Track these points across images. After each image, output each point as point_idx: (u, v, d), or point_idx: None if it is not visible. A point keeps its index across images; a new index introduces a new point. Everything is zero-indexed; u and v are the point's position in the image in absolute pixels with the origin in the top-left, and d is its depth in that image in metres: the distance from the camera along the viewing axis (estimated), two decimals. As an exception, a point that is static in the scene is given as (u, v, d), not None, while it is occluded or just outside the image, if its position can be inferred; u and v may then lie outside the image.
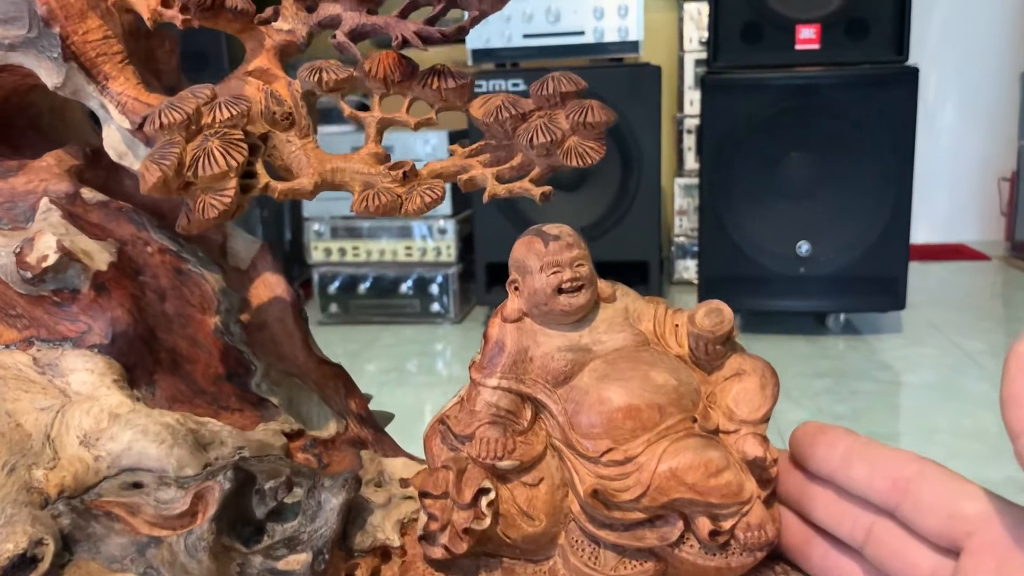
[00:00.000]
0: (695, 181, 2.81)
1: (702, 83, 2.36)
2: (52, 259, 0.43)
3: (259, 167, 0.42)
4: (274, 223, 2.81)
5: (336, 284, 2.75)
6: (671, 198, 3.06)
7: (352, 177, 0.43)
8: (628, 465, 0.40)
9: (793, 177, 2.38)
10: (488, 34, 2.48)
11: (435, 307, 2.71)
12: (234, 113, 0.41)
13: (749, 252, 2.39)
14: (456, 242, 2.66)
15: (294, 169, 0.44)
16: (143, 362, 0.45)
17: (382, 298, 2.74)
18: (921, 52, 3.19)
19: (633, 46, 2.48)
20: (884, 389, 2.11)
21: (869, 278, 2.37)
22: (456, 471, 0.41)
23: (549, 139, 0.40)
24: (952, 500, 0.35)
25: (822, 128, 2.30)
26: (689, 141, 3.01)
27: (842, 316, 2.52)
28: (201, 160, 0.40)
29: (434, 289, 2.70)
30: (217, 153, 0.40)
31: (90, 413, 0.42)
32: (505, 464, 0.41)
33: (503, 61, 2.52)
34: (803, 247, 2.39)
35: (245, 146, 0.41)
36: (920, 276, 3.01)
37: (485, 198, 0.42)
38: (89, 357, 0.43)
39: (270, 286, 0.52)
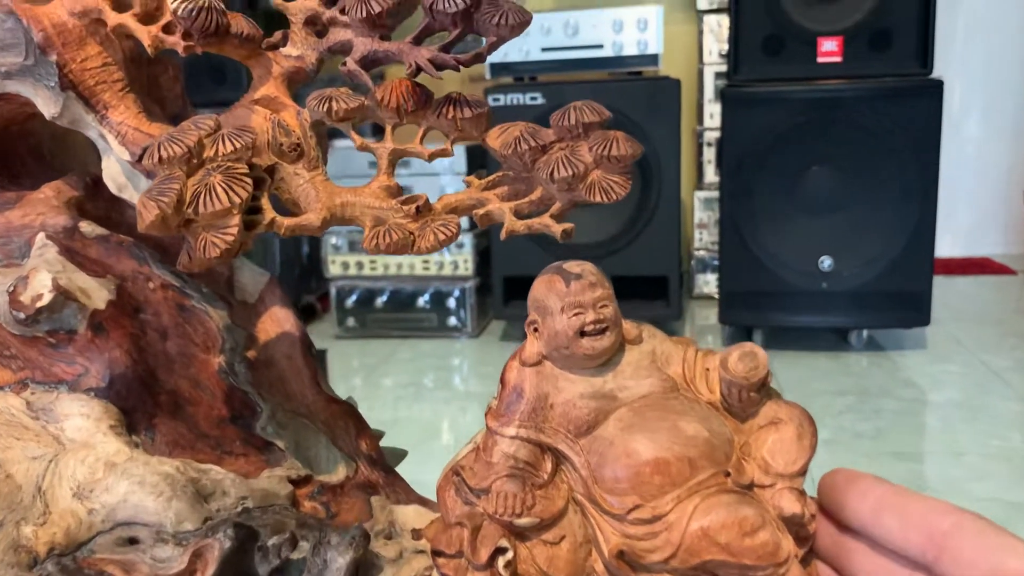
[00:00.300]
0: (715, 194, 2.78)
1: (722, 96, 2.33)
2: (47, 298, 0.41)
3: (264, 202, 0.40)
4: (292, 237, 2.80)
5: (353, 298, 2.73)
6: (691, 211, 3.03)
7: (363, 212, 0.41)
8: (656, 524, 0.38)
9: (815, 191, 2.34)
10: (506, 48, 2.46)
11: (452, 321, 2.69)
12: (238, 146, 0.39)
13: (770, 266, 2.36)
14: (473, 256, 2.64)
15: (302, 203, 0.42)
16: (142, 405, 0.42)
17: (399, 312, 2.72)
18: (945, 63, 3.15)
19: (652, 59, 2.45)
20: (908, 407, 2.07)
21: (893, 293, 2.34)
22: (471, 528, 0.39)
23: (571, 173, 0.38)
24: (994, 555, 0.33)
25: (845, 141, 2.26)
26: (709, 154, 2.98)
27: (865, 332, 2.48)
28: (202, 196, 0.37)
29: (451, 303, 2.68)
30: (220, 189, 0.38)
31: (85, 462, 0.39)
32: (524, 521, 0.38)
33: (521, 75, 2.50)
34: (825, 262, 2.35)
35: (249, 181, 0.39)
36: (945, 291, 2.96)
37: (503, 235, 0.39)
38: (85, 401, 0.41)
39: (278, 321, 0.50)
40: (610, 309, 0.40)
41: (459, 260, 2.65)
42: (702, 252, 3.00)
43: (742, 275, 2.39)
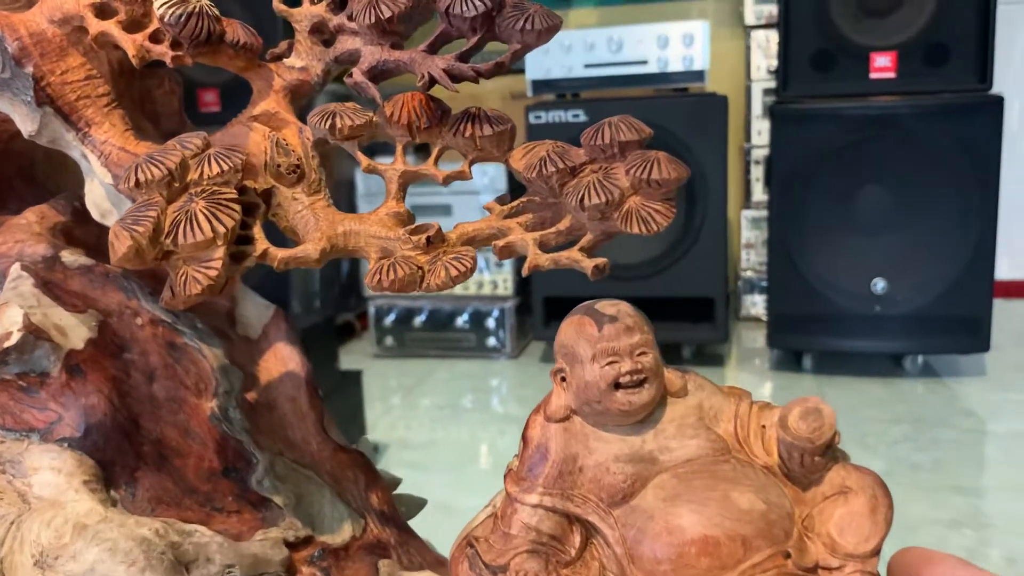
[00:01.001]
0: (763, 214, 2.71)
1: (771, 113, 2.27)
2: (15, 338, 0.37)
3: (257, 230, 0.35)
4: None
5: (392, 317, 2.70)
6: (738, 231, 2.96)
7: (368, 242, 0.36)
8: (703, 615, 0.32)
9: (868, 211, 2.27)
10: (548, 64, 2.41)
11: (491, 341, 2.64)
12: (226, 168, 0.34)
13: (821, 289, 2.29)
14: (513, 275, 2.59)
15: (300, 232, 0.37)
16: (122, 458, 0.38)
17: (438, 331, 2.68)
18: (1004, 78, 3.04)
19: (698, 75, 2.39)
20: (967, 438, 1.98)
21: (950, 317, 2.25)
22: (486, 614, 0.33)
23: (604, 200, 0.32)
24: None
25: (899, 160, 2.19)
26: (757, 172, 2.91)
27: (920, 358, 2.39)
28: (182, 225, 0.33)
29: (490, 323, 2.63)
30: (202, 217, 0.33)
31: (51, 524, 0.35)
32: (546, 608, 0.33)
33: (564, 92, 2.45)
34: (878, 284, 2.27)
35: (237, 208, 0.34)
36: (1005, 315, 2.85)
37: (525, 270, 0.34)
38: (57, 453, 0.37)
39: (282, 359, 0.45)
40: (650, 357, 0.34)
41: (499, 279, 2.60)
42: (749, 273, 2.92)
43: (791, 297, 2.32)
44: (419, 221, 0.36)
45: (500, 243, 0.35)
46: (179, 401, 0.40)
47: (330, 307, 2.67)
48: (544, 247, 0.34)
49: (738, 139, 3.00)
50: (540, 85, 2.45)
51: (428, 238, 0.34)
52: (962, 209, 2.17)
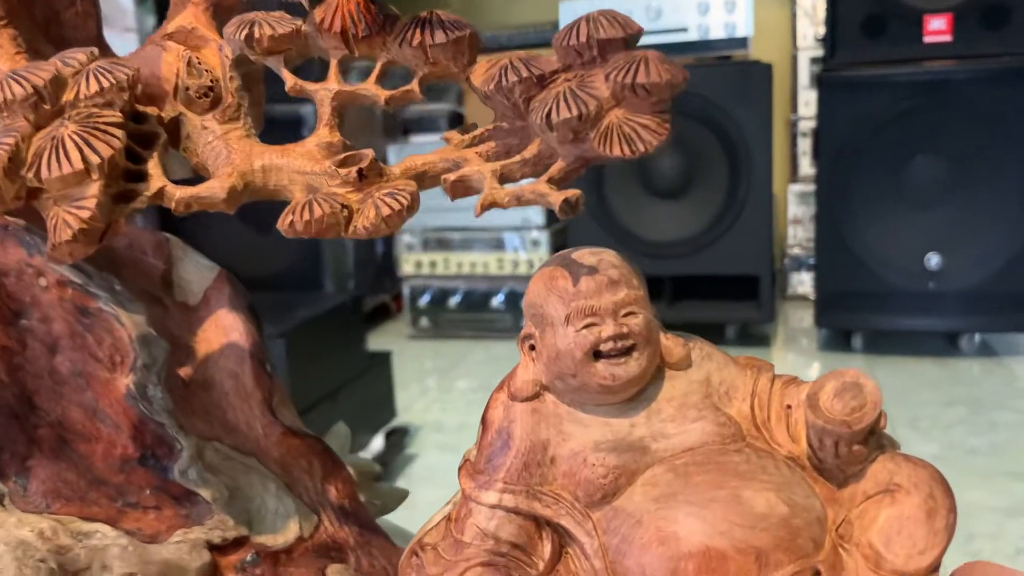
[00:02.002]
0: (811, 188, 2.61)
1: (819, 81, 2.17)
2: None
3: (153, 165, 0.29)
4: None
5: (426, 298, 2.64)
6: (784, 206, 2.85)
7: (292, 179, 0.29)
8: (704, 652, 0.25)
9: (921, 182, 2.16)
10: (583, 32, 2.32)
11: (528, 323, 2.57)
12: (106, 85, 0.27)
13: (871, 265, 2.18)
14: (550, 253, 2.52)
15: (209, 167, 0.30)
16: (11, 443, 0.31)
17: (473, 312, 2.62)
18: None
19: (742, 43, 2.29)
20: (1029, 421, 1.87)
21: (1009, 294, 2.13)
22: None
23: (577, 114, 0.25)
24: None
25: (955, 128, 2.07)
26: (804, 145, 2.80)
27: (977, 337, 2.28)
28: (47, 155, 0.26)
29: (527, 304, 2.56)
30: (71, 144, 0.26)
31: (-91, 525, 0.28)
32: (502, 642, 0.26)
33: (600, 61, 2.36)
34: (933, 260, 2.16)
35: (119, 133, 0.27)
36: (1067, 291, 2.70)
37: (477, 209, 0.27)
38: (-72, 439, 0.30)
39: (224, 328, 0.38)
40: (639, 319, 0.27)
41: (534, 259, 2.53)
42: (796, 250, 2.82)
43: (840, 274, 2.22)
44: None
45: (451, 177, 0.27)
46: (87, 376, 0.34)
47: (365, 288, 2.62)
48: (507, 180, 0.27)
49: (784, 111, 2.89)
50: (575, 56, 2.36)
51: (360, 171, 0.27)
52: (1022, 179, 2.05)
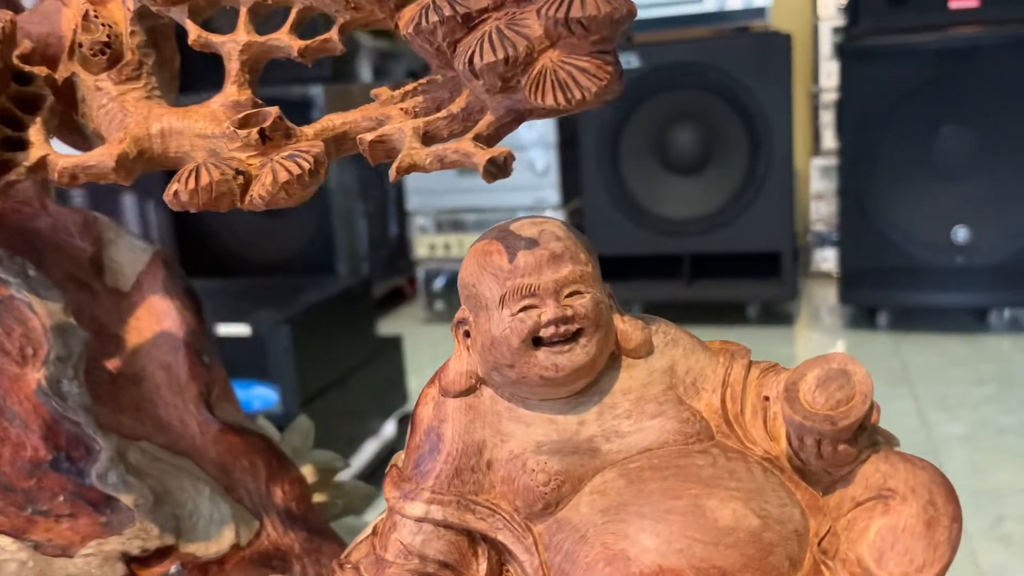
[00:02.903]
0: (834, 162, 2.54)
1: (840, 51, 2.11)
2: None
3: (34, 132, 0.25)
4: (379, 217, 2.68)
5: (441, 281, 2.61)
6: (806, 181, 2.79)
7: (193, 144, 0.25)
8: None
9: (948, 154, 2.10)
10: (597, 6, 2.27)
11: (545, 304, 2.53)
12: (-31, 38, 0.24)
13: (897, 240, 2.13)
14: (566, 234, 2.47)
15: (104, 133, 0.26)
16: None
17: (490, 295, 2.58)
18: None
19: (760, 12, 2.23)
20: (1061, 399, 1.82)
21: (1041, 268, 2.07)
22: None
23: (503, 56, 0.21)
24: None
25: (983, 97, 2.01)
26: (826, 117, 2.73)
27: (1007, 312, 2.21)
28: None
29: (544, 285, 2.52)
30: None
31: None
32: None
33: (615, 35, 2.31)
34: (960, 233, 2.11)
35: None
36: (1101, 264, 2.63)
37: (392, 173, 0.23)
38: None
39: (157, 316, 0.35)
40: (586, 299, 0.23)
41: (551, 238, 2.49)
42: (819, 225, 2.76)
43: (865, 250, 2.17)
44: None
45: (368, 137, 0.24)
46: (-8, 372, 0.30)
47: (379, 271, 2.59)
48: (434, 139, 0.23)
49: (805, 83, 2.82)
50: (589, 30, 2.30)
51: (262, 131, 0.23)
52: (1053, 148, 1.98)
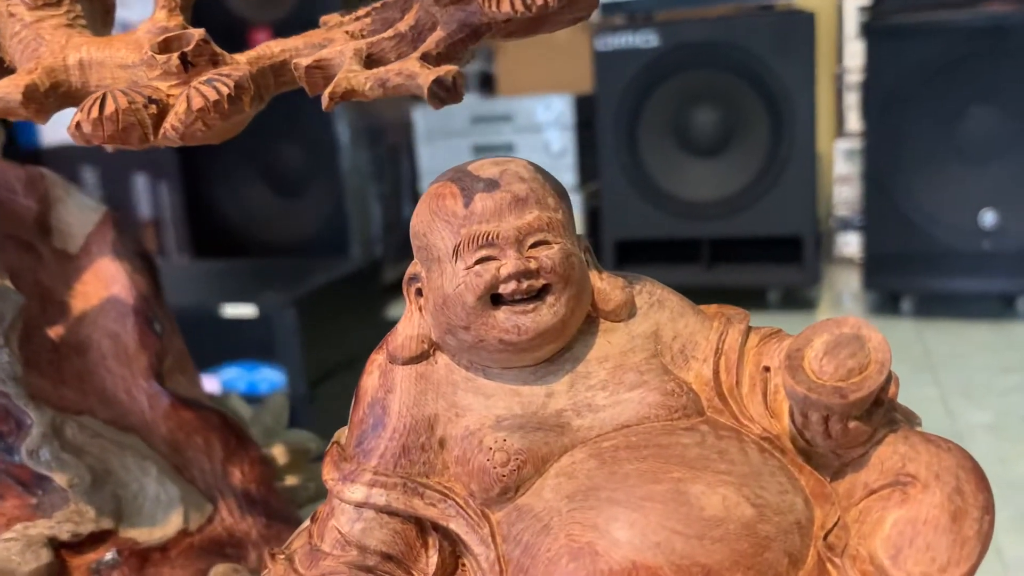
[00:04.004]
0: (858, 144, 2.49)
1: (866, 29, 2.06)
2: None
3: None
4: (393, 199, 2.65)
5: (456, 263, 2.58)
6: (829, 164, 2.74)
7: (115, 77, 0.22)
8: None
9: (976, 136, 2.05)
10: (616, -16, 2.23)
11: (562, 288, 2.50)
12: None
13: (922, 224, 2.08)
14: (582, 217, 2.43)
15: (17, 64, 0.23)
16: None
17: (505, 278, 2.55)
18: None
19: (783, -10, 2.18)
20: (1091, 387, 1.77)
21: (1071, 253, 2.02)
22: None
23: (451, -40, 0.18)
24: None
25: (1013, 76, 1.97)
26: (851, 98, 2.67)
27: (1035, 298, 2.16)
28: None
29: (561, 268, 2.48)
30: None
31: None
32: None
33: (634, 12, 2.26)
34: (988, 217, 2.06)
35: None
36: None
37: (325, 100, 0.20)
38: None
39: (105, 280, 0.32)
40: (555, 250, 0.20)
41: (568, 221, 2.45)
42: (842, 209, 2.71)
43: (890, 234, 2.13)
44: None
45: (304, 62, 0.20)
46: (-90, 338, 0.27)
47: (392, 254, 2.56)
48: (379, 62, 0.20)
49: (829, 63, 2.77)
50: (608, 7, 2.26)
51: (184, 57, 0.20)
52: (1086, 130, 1.93)
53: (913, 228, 2.13)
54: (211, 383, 1.44)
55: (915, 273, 2.16)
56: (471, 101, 2.42)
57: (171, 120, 0.20)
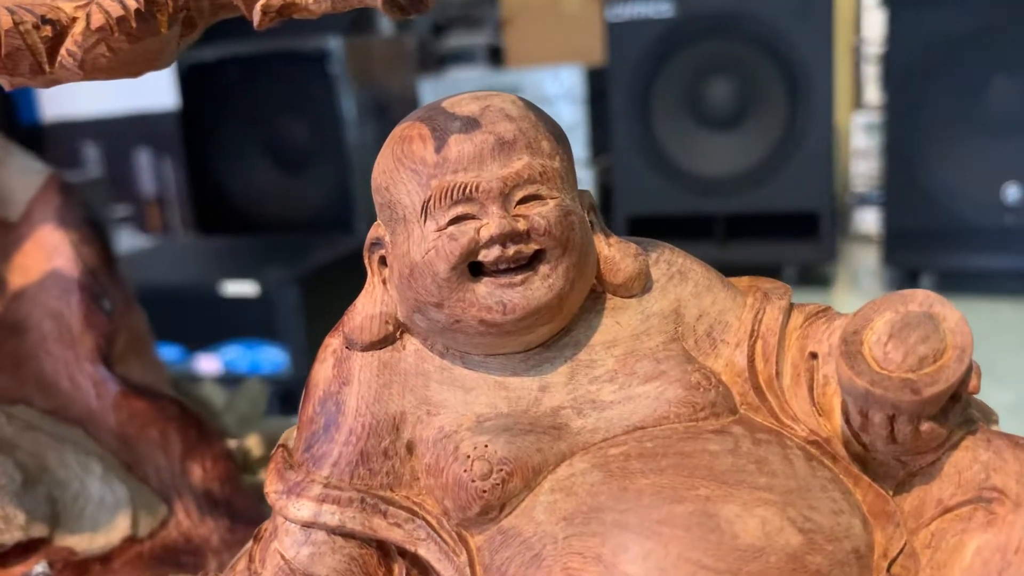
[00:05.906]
0: (877, 117, 2.43)
1: (886, -2, 1.99)
2: None
3: None
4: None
5: (466, 240, 2.54)
6: (847, 137, 2.68)
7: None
8: None
9: (998, 107, 1.99)
10: (629, -49, 2.17)
11: (573, 265, 2.46)
12: None
13: (943, 199, 2.03)
14: (594, 193, 2.39)
15: None
16: None
17: (515, 256, 2.52)
18: None
19: (801, -42, 2.11)
20: (1118, 367, 1.72)
21: (1097, 229, 1.96)
22: None
23: None
24: None
25: (1039, 46, 1.88)
26: (869, 70, 2.61)
27: (1059, 275, 2.11)
28: None
29: (572, 246, 2.44)
30: None
31: None
32: None
33: (648, -17, 2.21)
34: (1011, 192, 2.00)
35: None
36: None
37: (257, 16, 0.16)
38: None
39: (47, 252, 0.28)
40: (550, 207, 0.16)
41: (579, 197, 2.41)
42: (860, 185, 2.65)
43: (909, 210, 2.08)
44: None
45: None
46: None
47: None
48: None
49: (847, 34, 2.71)
50: (621, -23, 2.20)
51: (90, -31, 0.16)
52: (1114, 101, 1.87)
53: (933, 203, 2.08)
54: (212, 362, 1.41)
55: (935, 250, 2.11)
56: (479, 73, 2.37)
57: (68, 43, 0.16)
